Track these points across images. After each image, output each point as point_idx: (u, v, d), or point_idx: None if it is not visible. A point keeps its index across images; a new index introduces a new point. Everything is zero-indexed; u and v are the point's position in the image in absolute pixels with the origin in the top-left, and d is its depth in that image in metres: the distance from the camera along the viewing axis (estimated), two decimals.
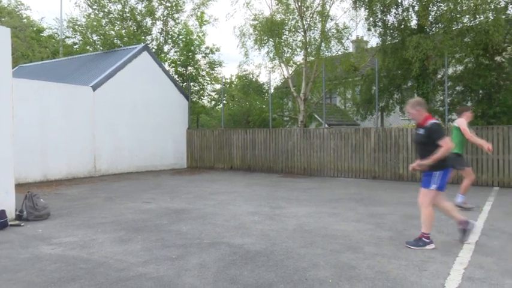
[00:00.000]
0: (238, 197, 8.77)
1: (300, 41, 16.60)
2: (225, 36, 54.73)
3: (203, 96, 22.80)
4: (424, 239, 4.76)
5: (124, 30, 19.50)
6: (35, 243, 4.96)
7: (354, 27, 20.02)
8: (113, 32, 19.18)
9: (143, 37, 19.97)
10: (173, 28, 21.40)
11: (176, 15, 21.05)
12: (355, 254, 4.47)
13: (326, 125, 15.00)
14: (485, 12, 12.08)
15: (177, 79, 20.19)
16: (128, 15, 19.94)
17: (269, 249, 4.67)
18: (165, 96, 15.48)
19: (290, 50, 16.88)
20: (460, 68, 14.12)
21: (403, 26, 13.92)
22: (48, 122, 11.61)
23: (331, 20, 16.10)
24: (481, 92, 13.57)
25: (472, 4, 11.86)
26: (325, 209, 7.29)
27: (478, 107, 13.56)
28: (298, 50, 16.84)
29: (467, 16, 12.57)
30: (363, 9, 14.68)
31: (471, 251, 4.60)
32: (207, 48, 22.04)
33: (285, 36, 16.57)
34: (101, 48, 18.69)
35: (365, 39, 19.89)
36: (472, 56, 13.31)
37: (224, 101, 20.50)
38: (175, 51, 21.85)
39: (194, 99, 20.68)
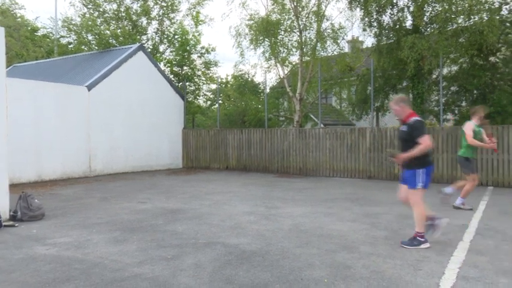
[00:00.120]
0: (233, 197, 8.77)
1: (295, 41, 16.63)
2: (220, 36, 54.68)
3: (199, 96, 22.77)
4: (418, 238, 4.78)
5: (119, 30, 19.43)
6: (30, 244, 4.94)
7: (349, 27, 20.11)
8: (108, 32, 19.11)
9: (138, 37, 19.91)
10: (169, 28, 21.35)
11: (172, 15, 21.00)
12: (350, 254, 4.48)
13: (322, 125, 15.03)
14: (479, 12, 12.17)
15: (173, 79, 20.15)
16: (123, 14, 19.87)
17: (265, 249, 4.67)
18: (160, 96, 15.44)
19: (286, 50, 16.90)
20: (454, 68, 14.22)
21: (398, 26, 13.98)
22: (42, 122, 11.55)
23: (327, 20, 16.16)
24: (475, 92, 13.67)
25: (466, 5, 11.94)
26: (321, 209, 7.30)
27: (472, 107, 13.64)
28: (294, 50, 16.88)
29: (461, 17, 12.66)
30: (358, 9, 14.74)
31: (466, 251, 4.62)
32: (202, 48, 22.01)
33: (280, 36, 16.58)
34: (96, 47, 18.61)
35: (360, 39, 19.97)
36: (466, 56, 13.40)
37: (220, 101, 20.50)
38: (170, 51, 21.80)
39: (190, 99, 20.65)
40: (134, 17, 20.03)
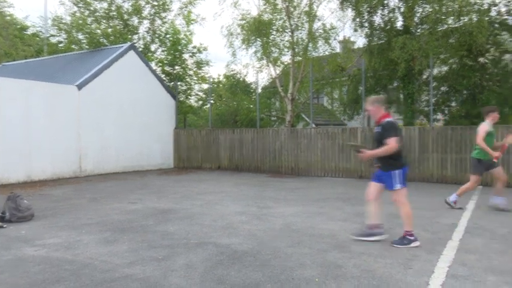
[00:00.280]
0: (225, 197, 8.76)
1: (287, 41, 16.65)
2: (212, 36, 54.59)
3: (190, 96, 22.70)
4: (408, 237, 4.82)
5: (110, 29, 19.29)
6: (18, 245, 4.88)
7: (341, 27, 20.17)
8: (99, 31, 18.95)
9: (130, 36, 19.78)
10: (160, 27, 21.25)
11: (163, 14, 20.90)
12: (341, 253, 4.50)
13: (313, 125, 15.08)
14: (469, 14, 12.30)
15: (164, 78, 20.06)
16: (114, 13, 19.73)
17: (256, 249, 4.67)
18: (152, 96, 15.36)
19: (277, 50, 16.92)
20: (444, 68, 14.35)
21: (389, 27, 14.08)
22: (31, 122, 11.41)
23: (319, 20, 16.20)
24: (465, 92, 13.81)
25: (456, 6, 12.06)
26: (313, 209, 7.32)
27: (462, 107, 13.81)
28: (286, 50, 16.90)
29: (451, 18, 12.80)
30: (349, 9, 14.82)
31: (455, 249, 4.67)
32: (194, 47, 21.96)
33: (272, 36, 16.60)
34: (87, 47, 18.46)
35: (352, 39, 20.05)
36: (456, 57, 13.55)
37: (211, 101, 20.44)
38: (162, 51, 21.70)
39: (181, 99, 20.57)
40: (125, 16, 19.90)
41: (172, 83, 18.94)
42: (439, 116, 14.84)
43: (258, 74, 17.90)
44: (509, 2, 12.78)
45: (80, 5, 19.45)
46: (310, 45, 16.16)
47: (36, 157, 11.50)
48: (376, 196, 4.98)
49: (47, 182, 11.30)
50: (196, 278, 3.75)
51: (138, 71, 14.94)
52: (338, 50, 18.94)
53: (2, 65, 18.78)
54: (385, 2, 13.90)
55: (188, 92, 22.16)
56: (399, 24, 14.14)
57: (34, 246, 4.81)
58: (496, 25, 13.13)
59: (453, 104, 14.44)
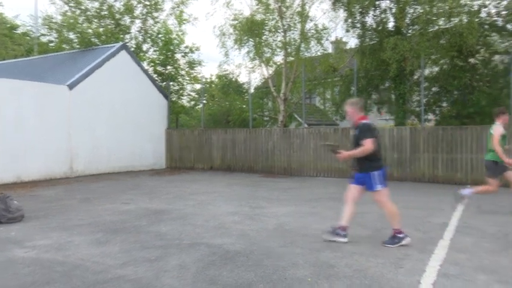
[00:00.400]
0: (218, 197, 8.74)
1: (279, 41, 16.67)
2: (205, 36, 54.49)
3: (183, 96, 22.62)
4: (397, 235, 4.85)
5: (102, 29, 19.15)
6: (8, 247, 4.82)
7: (333, 28, 20.26)
8: (90, 30, 18.81)
9: (121, 36, 19.66)
10: (152, 27, 21.14)
11: (155, 14, 20.80)
12: (334, 253, 4.52)
13: (306, 125, 15.11)
14: (459, 15, 12.41)
15: (156, 78, 19.96)
16: (106, 13, 19.59)
17: (249, 249, 4.67)
18: (144, 96, 15.29)
19: (270, 50, 16.93)
20: (435, 69, 14.47)
21: (381, 28, 14.16)
22: (22, 122, 11.30)
23: (311, 20, 16.23)
24: (455, 92, 13.94)
25: (447, 7, 12.16)
26: (305, 209, 7.34)
27: (453, 107, 13.93)
28: (278, 50, 16.92)
29: (442, 19, 12.90)
30: (342, 10, 14.87)
31: (446, 248, 4.71)
32: (186, 47, 21.88)
33: (265, 36, 16.60)
34: (78, 46, 18.31)
35: (344, 40, 20.12)
36: (447, 58, 13.66)
37: (204, 101, 20.40)
38: (154, 50, 21.60)
39: (174, 99, 20.50)
40: (117, 16, 19.77)
41: (165, 83, 18.87)
42: (430, 116, 14.96)
43: (250, 74, 17.91)
44: (498, 3, 12.93)
45: (71, 4, 19.29)
46: (303, 45, 16.20)
47: (27, 157, 11.38)
48: (354, 198, 4.99)
49: (37, 182, 11.19)
50: (189, 278, 3.73)
51: (130, 70, 14.86)
52: (330, 50, 18.98)
53: None
54: (377, 3, 13.98)
55: (180, 92, 22.07)
56: (391, 25, 14.24)
57: (24, 248, 4.76)
58: (486, 26, 13.27)
59: (444, 104, 14.57)
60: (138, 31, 20.81)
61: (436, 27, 13.17)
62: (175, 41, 21.30)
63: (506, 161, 6.47)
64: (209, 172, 14.63)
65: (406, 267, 4.04)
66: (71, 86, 12.65)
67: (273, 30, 16.51)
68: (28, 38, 24.60)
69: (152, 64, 21.00)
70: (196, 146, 15.71)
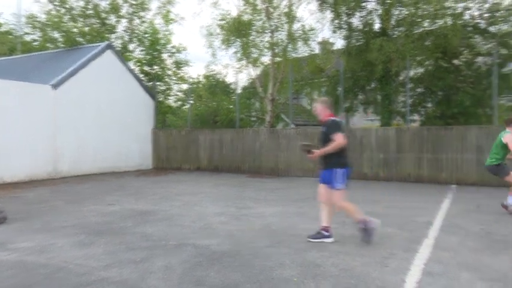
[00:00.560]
0: (205, 197, 8.71)
1: (267, 42, 16.69)
2: (192, 36, 54.23)
3: (169, 96, 22.47)
4: (364, 226, 4.89)
5: (87, 28, 18.91)
6: None
7: (320, 29, 20.34)
8: (75, 29, 18.56)
9: (107, 35, 19.45)
10: (139, 26, 20.96)
11: (142, 14, 20.62)
12: (320, 253, 4.53)
13: (293, 125, 15.16)
14: (443, 17, 12.59)
15: (143, 78, 19.79)
16: (91, 12, 19.35)
17: (235, 250, 4.65)
18: (130, 96, 15.15)
19: (257, 51, 16.93)
20: (420, 70, 14.64)
21: (367, 29, 14.28)
22: (4, 122, 11.07)
23: (298, 21, 16.27)
24: (440, 93, 14.12)
25: (431, 9, 12.33)
26: (292, 209, 7.35)
27: (437, 108, 14.12)
28: (266, 50, 16.93)
29: (427, 20, 13.07)
30: (328, 11, 14.93)
31: (431, 247, 4.77)
32: (173, 47, 21.75)
33: (252, 36, 16.60)
34: (63, 45, 18.05)
35: (331, 41, 20.23)
36: (431, 59, 13.83)
37: (191, 101, 20.30)
38: (140, 50, 21.41)
39: (160, 99, 20.35)
40: (103, 15, 19.55)
41: (151, 83, 18.72)
42: (415, 116, 15.13)
43: (237, 74, 17.88)
44: (481, 6, 13.14)
45: (56, 3, 19.01)
46: (290, 46, 16.24)
47: (9, 158, 11.16)
48: (328, 198, 5.03)
49: (19, 184, 10.99)
50: (175, 279, 3.70)
51: (116, 70, 14.71)
52: (317, 51, 19.06)
53: None
54: (363, 4, 14.10)
55: (167, 92, 21.93)
56: (377, 26, 14.36)
57: (6, 250, 4.66)
58: (469, 28, 13.47)
59: (429, 104, 14.74)
60: (124, 30, 20.61)
61: (421, 29, 13.33)
62: (162, 41, 21.16)
63: None
64: (196, 172, 14.56)
65: (391, 266, 4.07)
66: (56, 86, 12.46)
67: (260, 30, 16.52)
68: (11, 36, 24.15)
69: (139, 64, 20.81)
70: (183, 146, 15.63)
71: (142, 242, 4.98)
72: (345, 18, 14.54)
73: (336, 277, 3.76)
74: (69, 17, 19.12)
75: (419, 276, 3.77)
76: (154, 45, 20.59)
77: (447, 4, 12.69)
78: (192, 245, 4.86)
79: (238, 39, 16.40)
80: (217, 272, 3.91)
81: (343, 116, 14.17)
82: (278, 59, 16.72)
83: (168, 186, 10.75)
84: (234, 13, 17.64)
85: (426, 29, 13.25)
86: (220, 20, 16.73)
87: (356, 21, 14.58)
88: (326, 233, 4.99)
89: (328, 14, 15.08)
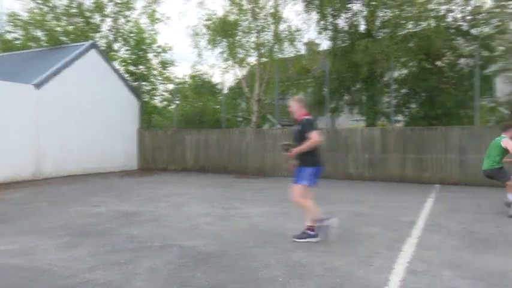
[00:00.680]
0: (191, 198, 8.68)
1: (253, 42, 16.71)
2: (178, 35, 53.89)
3: (155, 96, 22.32)
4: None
5: (71, 27, 18.65)
6: None
7: (306, 30, 20.46)
8: (58, 28, 18.28)
9: (92, 34, 19.21)
10: (124, 26, 20.76)
11: (127, 13, 20.43)
12: (305, 252, 4.56)
13: (279, 126, 15.20)
14: (427, 19, 12.80)
15: (128, 78, 19.62)
16: (75, 10, 19.08)
17: (221, 250, 4.65)
18: (115, 95, 15.00)
19: (244, 51, 16.94)
20: (404, 71, 14.84)
21: (352, 30, 14.41)
22: None
23: (284, 22, 16.34)
24: (423, 94, 14.34)
25: (415, 11, 12.51)
26: (278, 209, 7.38)
27: (421, 108, 14.32)
28: (252, 51, 16.95)
29: (411, 22, 13.26)
30: (314, 12, 15.03)
31: (414, 246, 4.84)
32: (159, 47, 21.61)
33: (238, 37, 16.60)
34: (46, 44, 17.77)
35: (317, 42, 20.36)
36: (415, 61, 14.03)
37: (177, 101, 20.20)
38: (126, 50, 21.21)
39: (146, 99, 20.19)
40: (87, 14, 19.30)
41: (137, 82, 18.56)
42: (400, 117, 15.33)
43: (224, 74, 17.86)
44: (464, 8, 13.39)
45: (38, 1, 18.69)
46: (276, 46, 16.29)
47: None
48: (308, 197, 5.08)
49: (2, 185, 10.78)
50: (160, 280, 3.69)
51: (101, 70, 14.55)
52: (303, 52, 19.16)
53: None
54: (348, 5, 14.23)
55: (153, 92, 21.77)
56: (362, 28, 14.51)
57: None
58: (452, 30, 13.71)
59: (413, 105, 14.95)
60: (109, 30, 20.39)
61: (405, 30, 13.51)
62: (148, 41, 21.00)
63: None
64: (182, 173, 14.49)
65: (375, 265, 4.13)
66: (38, 85, 12.26)
67: (247, 31, 16.54)
68: None
69: (124, 64, 20.63)
70: (169, 146, 15.54)
71: (127, 244, 4.95)
72: (330, 19, 14.66)
73: (321, 277, 3.79)
74: (52, 15, 18.83)
75: (403, 275, 3.83)
76: (140, 44, 20.43)
77: (430, 6, 12.90)
78: (177, 246, 4.84)
79: (224, 40, 16.39)
80: (203, 272, 3.90)
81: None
82: (264, 59, 16.76)
83: (154, 187, 10.67)
84: (220, 13, 17.61)
85: (410, 30, 13.44)
86: (206, 20, 16.70)
87: (342, 22, 14.72)
88: (311, 233, 5.03)
89: (314, 15, 15.19)
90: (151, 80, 21.50)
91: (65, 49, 14.90)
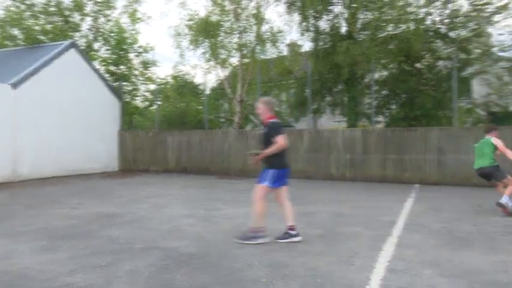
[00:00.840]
0: (173, 199, 8.60)
1: (235, 43, 16.69)
2: (160, 35, 53.46)
3: (136, 97, 22.06)
4: (254, 233, 5.00)
5: (50, 26, 18.27)
6: None
7: (288, 31, 20.59)
8: (37, 27, 17.89)
9: (71, 33, 18.86)
10: (104, 25, 20.45)
11: (107, 12, 20.14)
12: (288, 253, 4.58)
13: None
14: (407, 22, 13.03)
15: (109, 78, 19.33)
16: (54, 9, 18.71)
17: (204, 252, 4.63)
18: (95, 96, 14.76)
19: (226, 52, 16.90)
20: (385, 73, 15.06)
21: (334, 32, 14.55)
22: None
23: (267, 23, 16.38)
24: (403, 96, 14.58)
25: (395, 14, 12.72)
26: None
27: (401, 109, 14.56)
28: (234, 51, 16.93)
29: (391, 25, 13.48)
30: (296, 14, 15.12)
31: (394, 245, 4.91)
32: (140, 47, 21.37)
33: (220, 37, 16.55)
34: (23, 43, 17.37)
35: (299, 43, 20.46)
36: (395, 63, 14.26)
37: (159, 102, 20.02)
38: (106, 49, 20.90)
39: (127, 100, 19.94)
40: (66, 12, 18.95)
41: (117, 83, 18.31)
42: (380, 118, 15.56)
43: (206, 75, 17.78)
44: (442, 12, 13.68)
45: None
46: (258, 47, 16.31)
47: None
48: (282, 198, 5.11)
49: None
50: (141, 283, 3.64)
51: (80, 70, 14.31)
52: (285, 53, 19.25)
53: None
54: (330, 7, 14.36)
55: (134, 92, 21.52)
56: (343, 29, 14.67)
57: None
58: (431, 33, 13.99)
59: (393, 106, 15.19)
60: (88, 29, 20.06)
61: (385, 33, 13.73)
62: (129, 40, 20.75)
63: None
64: (164, 174, 14.36)
65: (356, 265, 4.17)
66: (15, 85, 11.97)
67: (229, 31, 16.52)
68: None
69: (104, 63, 20.32)
70: (150, 147, 15.38)
71: (108, 246, 4.87)
72: (312, 21, 14.77)
73: (303, 277, 3.81)
74: (30, 13, 18.42)
75: (383, 274, 3.88)
76: (121, 44, 20.17)
77: (410, 9, 13.14)
78: (159, 247, 4.79)
79: (206, 40, 16.33)
80: (185, 274, 3.87)
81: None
82: (246, 60, 16.76)
83: (135, 188, 10.55)
84: (202, 14, 17.55)
85: (390, 33, 13.66)
86: (188, 20, 16.60)
87: (323, 24, 14.86)
88: (293, 232, 5.05)
89: (296, 17, 15.29)
90: (133, 80, 21.25)
91: (44, 48, 14.60)
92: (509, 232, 5.60)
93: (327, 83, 15.27)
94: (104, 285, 3.58)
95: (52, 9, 18.68)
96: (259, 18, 15.89)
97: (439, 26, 13.95)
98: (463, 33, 13.68)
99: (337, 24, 14.65)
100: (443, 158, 11.24)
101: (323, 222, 6.31)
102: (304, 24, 14.87)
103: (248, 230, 5.09)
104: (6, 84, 11.84)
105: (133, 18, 21.04)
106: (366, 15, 14.00)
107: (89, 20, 19.92)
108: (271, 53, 16.90)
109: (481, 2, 12.96)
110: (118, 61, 20.34)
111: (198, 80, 23.20)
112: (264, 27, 16.29)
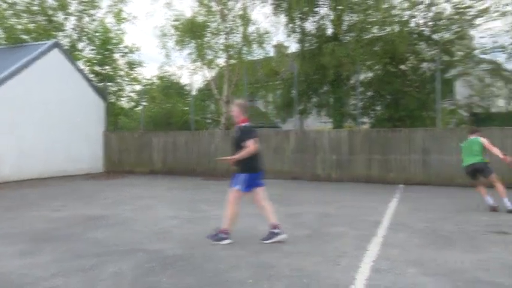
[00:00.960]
0: (158, 201, 8.53)
1: (222, 44, 16.65)
2: (146, 36, 53.04)
3: (122, 97, 21.80)
4: (221, 234, 5.03)
5: (33, 25, 17.96)
6: None
7: (274, 32, 20.65)
8: (19, 26, 17.56)
9: (54, 33, 18.56)
10: (89, 25, 20.18)
11: (92, 12, 19.88)
12: (274, 253, 4.58)
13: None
14: (391, 24, 13.18)
15: (93, 79, 19.08)
16: (37, 8, 18.39)
17: (189, 253, 4.60)
18: (79, 96, 14.55)
19: (212, 52, 16.85)
20: (370, 74, 15.21)
21: (319, 34, 14.64)
22: None
23: (253, 24, 16.38)
24: (388, 97, 14.74)
25: (380, 16, 12.86)
26: (247, 210, 7.33)
27: (386, 111, 14.71)
28: (221, 52, 16.89)
29: (376, 27, 13.62)
30: (283, 15, 15.16)
31: (379, 245, 4.95)
32: (126, 47, 21.13)
33: (207, 38, 16.50)
34: (5, 42, 17.03)
35: (285, 44, 20.52)
36: (380, 64, 14.42)
37: (144, 103, 19.84)
38: (91, 50, 20.62)
39: (112, 100, 19.70)
40: (50, 12, 18.65)
41: (102, 83, 18.09)
42: (366, 119, 15.70)
43: (192, 76, 17.70)
44: (426, 14, 13.87)
45: None
46: (245, 48, 16.31)
47: None
48: (260, 200, 5.14)
49: None
50: (126, 286, 3.60)
51: (64, 70, 14.10)
52: (272, 54, 19.28)
53: None
54: (316, 9, 14.44)
55: (119, 93, 21.26)
56: (329, 31, 14.76)
57: None
58: (415, 35, 14.18)
59: (378, 108, 15.34)
60: (73, 29, 19.77)
61: (370, 34, 13.86)
62: (114, 40, 20.51)
63: (503, 157, 7.16)
64: (149, 176, 14.24)
65: (342, 264, 4.19)
66: None
67: (215, 32, 16.47)
68: None
69: (89, 64, 20.03)
70: (136, 148, 15.23)
71: (92, 248, 4.80)
72: (298, 22, 14.83)
73: (289, 277, 3.81)
74: (12, 12, 18.07)
75: (368, 273, 3.91)
76: (106, 44, 19.91)
77: (394, 12, 13.30)
78: (144, 250, 4.74)
79: (192, 41, 16.25)
80: (170, 276, 3.84)
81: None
82: (233, 61, 16.74)
83: (120, 189, 10.43)
84: (189, 14, 17.48)
85: (375, 35, 13.80)
86: (174, 20, 16.51)
87: (309, 25, 14.93)
88: (276, 231, 5.04)
89: (283, 18, 15.33)
90: (118, 80, 20.98)
91: (26, 48, 14.35)
92: (489, 231, 5.70)
93: (313, 84, 15.34)
94: None
95: (35, 8, 18.36)
96: (245, 19, 15.89)
97: (423, 28, 14.15)
98: (446, 35, 13.91)
99: (323, 26, 14.73)
100: (428, 158, 11.39)
101: (309, 222, 6.33)
102: (290, 25, 14.92)
103: (217, 230, 5.09)
104: None
105: (119, 18, 20.80)
106: (351, 17, 14.12)
107: (73, 20, 19.63)
108: (257, 54, 16.93)
109: (463, 6, 13.19)
110: (103, 61, 20.07)
111: (184, 80, 23.06)
112: (251, 29, 16.31)
